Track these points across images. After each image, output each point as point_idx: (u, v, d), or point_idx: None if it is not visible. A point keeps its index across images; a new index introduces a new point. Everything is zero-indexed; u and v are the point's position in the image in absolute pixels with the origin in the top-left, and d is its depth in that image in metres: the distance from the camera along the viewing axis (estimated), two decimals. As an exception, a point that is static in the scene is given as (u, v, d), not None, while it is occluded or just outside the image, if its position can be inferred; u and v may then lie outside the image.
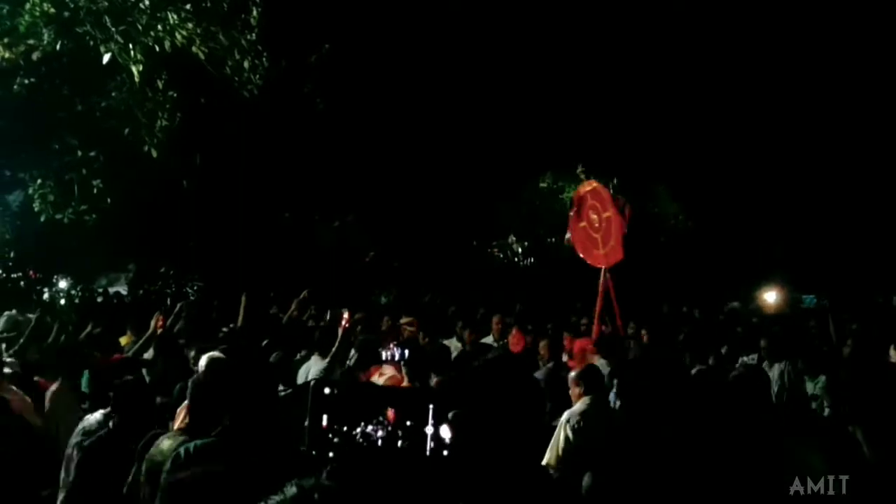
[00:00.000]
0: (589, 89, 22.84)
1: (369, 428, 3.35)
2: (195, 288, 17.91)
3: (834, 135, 23.02)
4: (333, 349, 7.06)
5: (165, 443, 3.88)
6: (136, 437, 4.35)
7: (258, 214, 18.64)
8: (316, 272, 19.29)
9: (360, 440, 3.33)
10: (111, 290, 20.12)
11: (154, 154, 10.93)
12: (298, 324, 10.57)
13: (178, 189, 15.64)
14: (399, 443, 3.34)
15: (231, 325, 9.72)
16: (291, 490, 2.22)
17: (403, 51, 20.14)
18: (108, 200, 11.62)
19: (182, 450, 3.49)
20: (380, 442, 3.34)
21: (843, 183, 23.00)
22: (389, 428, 3.34)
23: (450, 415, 3.63)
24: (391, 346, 6.77)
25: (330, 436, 3.33)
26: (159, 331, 7.72)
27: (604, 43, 22.57)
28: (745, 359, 8.44)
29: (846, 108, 22.42)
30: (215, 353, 5.39)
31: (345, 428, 3.34)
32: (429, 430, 3.42)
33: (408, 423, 3.36)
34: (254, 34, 11.01)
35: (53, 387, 6.41)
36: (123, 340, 9.02)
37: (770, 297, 13.31)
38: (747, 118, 22.80)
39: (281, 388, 4.89)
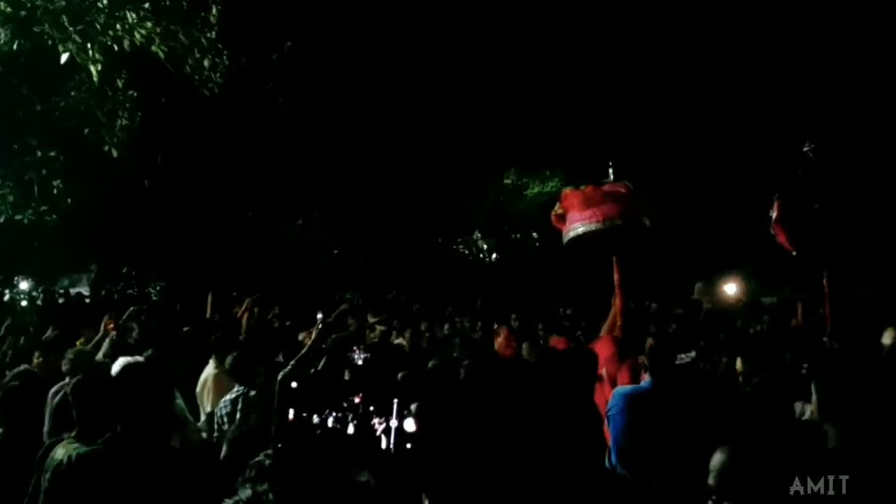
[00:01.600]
0: (557, 84, 22.90)
1: (330, 421, 3.38)
2: (157, 288, 17.78)
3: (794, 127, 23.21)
4: (302, 351, 7.02)
5: (59, 451, 3.67)
6: (30, 447, 4.15)
7: (221, 213, 18.53)
8: (280, 271, 19.24)
9: (326, 433, 3.37)
10: (73, 290, 19.90)
11: (114, 154, 10.87)
12: (266, 326, 10.54)
13: (140, 189, 15.50)
14: (364, 436, 3.37)
15: (190, 327, 9.66)
16: (246, 492, 2.23)
17: (367, 47, 20.12)
18: (69, 200, 11.53)
19: (66, 458, 3.42)
20: (345, 435, 3.37)
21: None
22: (355, 422, 3.37)
23: (412, 407, 3.67)
24: (355, 350, 6.66)
25: (297, 429, 3.38)
26: (111, 334, 7.49)
27: (565, 38, 22.64)
28: (682, 356, 8.30)
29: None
30: (131, 359, 5.14)
31: (312, 420, 3.37)
32: (393, 423, 3.45)
33: (373, 416, 3.39)
34: (213, 32, 10.98)
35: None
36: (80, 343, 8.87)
37: (729, 289, 13.39)
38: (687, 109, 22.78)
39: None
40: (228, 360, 6.71)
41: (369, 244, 23.98)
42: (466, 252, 27.72)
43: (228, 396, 6.43)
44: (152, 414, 3.40)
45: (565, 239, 7.64)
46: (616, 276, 7.63)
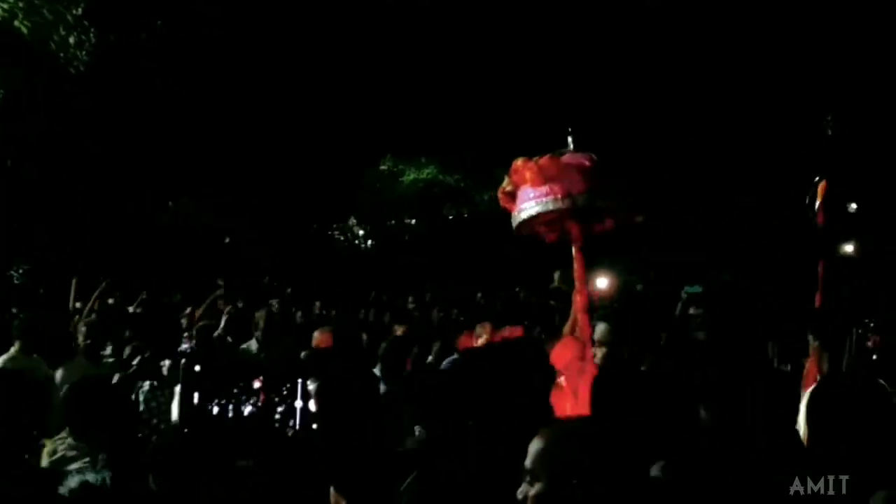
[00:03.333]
0: (434, 71, 22.96)
1: (231, 404, 3.31)
2: (21, 272, 16.98)
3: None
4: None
5: None
6: None
7: (91, 195, 17.85)
8: (152, 256, 18.74)
9: (229, 416, 3.31)
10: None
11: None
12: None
13: (3, 168, 14.78)
14: (268, 418, 3.33)
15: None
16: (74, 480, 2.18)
17: (245, 28, 19.70)
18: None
19: None
20: (249, 417, 3.33)
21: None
22: (259, 404, 3.33)
23: (312, 386, 3.59)
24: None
25: (203, 413, 3.30)
26: None
27: (445, 24, 22.66)
28: None
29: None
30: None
31: (214, 404, 3.31)
32: (298, 404, 3.42)
33: (276, 398, 3.35)
34: (80, 9, 10.60)
35: None
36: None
37: (601, 282, 13.34)
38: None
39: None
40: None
41: (247, 230, 23.62)
42: (342, 238, 27.64)
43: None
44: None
45: (515, 221, 6.15)
46: (577, 267, 6.24)
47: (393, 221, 27.55)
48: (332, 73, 22.38)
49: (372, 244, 27.66)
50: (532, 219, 5.91)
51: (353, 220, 27.38)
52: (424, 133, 23.58)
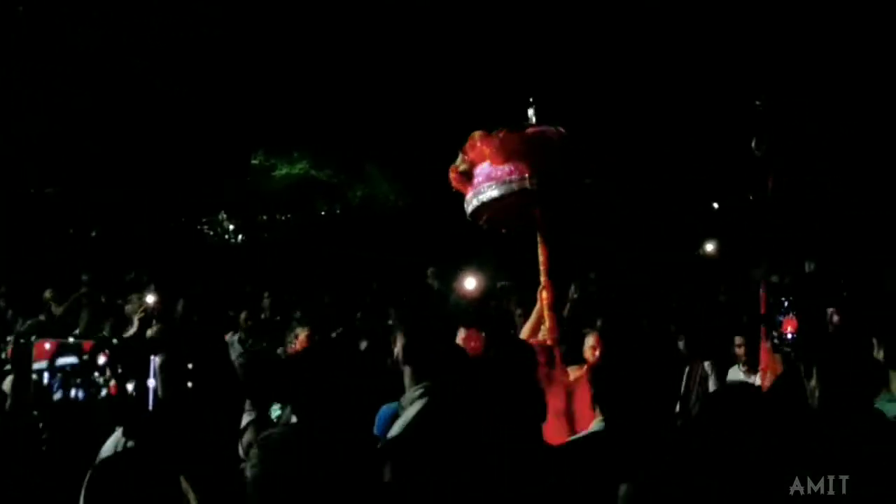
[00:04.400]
0: (305, 64, 22.75)
1: (80, 388, 3.25)
2: None
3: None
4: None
5: None
6: None
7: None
8: (15, 249, 18.04)
9: (75, 397, 3.25)
10: None
11: None
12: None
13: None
14: (119, 397, 3.29)
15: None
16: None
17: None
18: None
19: None
20: (96, 398, 3.28)
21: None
22: (111, 382, 3.28)
23: (156, 361, 3.51)
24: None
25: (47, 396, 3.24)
26: None
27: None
28: None
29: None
30: None
31: (60, 386, 3.24)
32: (150, 383, 3.34)
33: (127, 376, 3.30)
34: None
35: None
36: None
37: (469, 283, 13.04)
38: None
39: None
40: None
41: (108, 221, 22.92)
42: (211, 233, 27.13)
43: None
44: None
45: (470, 207, 5.48)
46: (542, 258, 5.58)
47: (265, 217, 27.24)
48: (202, 65, 21.93)
49: (242, 239, 27.27)
50: (493, 202, 5.30)
51: (223, 215, 26.92)
52: (298, 127, 23.40)
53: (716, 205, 22.05)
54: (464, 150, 5.37)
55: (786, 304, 8.30)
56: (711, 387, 7.03)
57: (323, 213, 26.73)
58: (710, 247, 19.04)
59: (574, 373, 5.23)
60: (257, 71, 22.65)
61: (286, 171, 25.53)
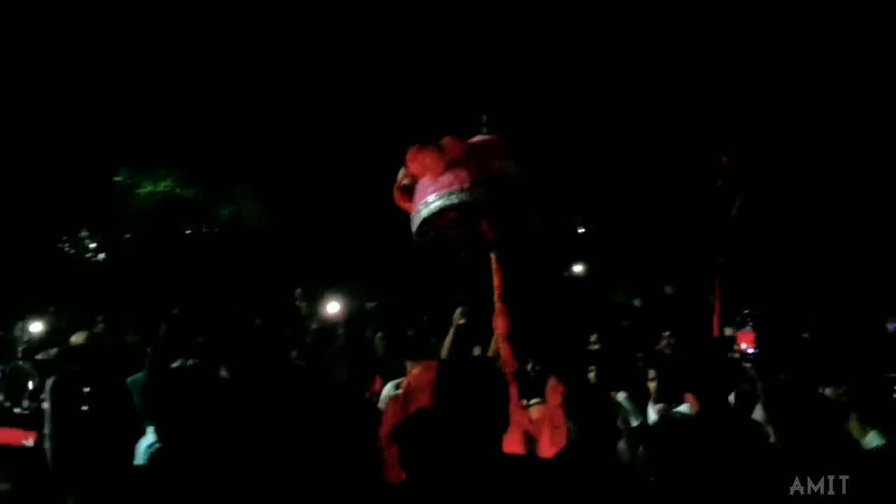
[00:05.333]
0: (170, 80, 22.45)
1: None
2: None
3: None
4: None
5: None
6: None
7: None
8: None
9: None
10: None
11: None
12: None
13: None
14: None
15: None
16: None
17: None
18: None
19: None
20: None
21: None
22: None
23: (48, 383, 3.72)
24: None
25: None
26: None
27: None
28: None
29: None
30: None
31: None
32: (45, 405, 3.60)
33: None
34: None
35: None
36: None
37: (332, 307, 12.52)
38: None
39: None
40: None
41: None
42: (72, 251, 26.33)
43: None
44: None
45: (415, 224, 4.82)
46: (496, 278, 4.96)
47: (128, 235, 26.67)
48: (65, 78, 21.44)
49: (104, 257, 26.60)
50: (434, 217, 4.64)
51: (84, 232, 26.19)
52: (162, 145, 23.09)
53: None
54: (405, 162, 4.78)
55: (746, 318, 8.53)
56: (634, 422, 6.34)
57: (188, 231, 26.40)
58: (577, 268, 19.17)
59: (535, 411, 4.62)
60: (122, 87, 22.27)
61: (150, 189, 25.10)
